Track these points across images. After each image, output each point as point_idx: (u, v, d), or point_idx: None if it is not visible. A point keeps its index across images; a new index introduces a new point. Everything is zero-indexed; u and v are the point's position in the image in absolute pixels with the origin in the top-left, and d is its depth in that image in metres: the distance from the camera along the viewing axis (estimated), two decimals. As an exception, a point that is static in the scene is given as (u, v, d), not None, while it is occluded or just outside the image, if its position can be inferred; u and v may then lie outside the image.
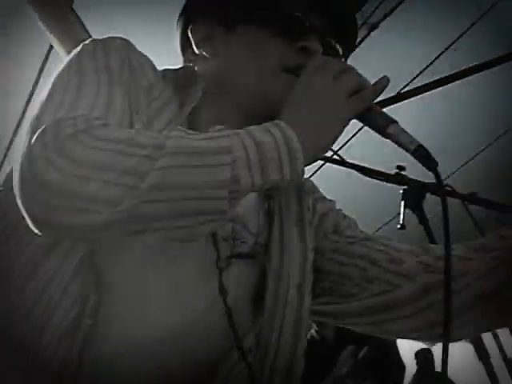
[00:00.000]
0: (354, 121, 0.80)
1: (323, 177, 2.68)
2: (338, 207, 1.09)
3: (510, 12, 2.81)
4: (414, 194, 1.38)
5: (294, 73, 0.87)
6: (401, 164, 1.39)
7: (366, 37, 2.88)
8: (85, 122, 0.71)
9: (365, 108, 0.79)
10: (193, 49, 0.99)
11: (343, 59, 0.99)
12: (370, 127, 0.79)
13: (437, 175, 0.72)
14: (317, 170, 3.27)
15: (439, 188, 0.74)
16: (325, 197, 1.09)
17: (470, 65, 3.02)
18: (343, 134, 0.80)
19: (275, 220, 0.95)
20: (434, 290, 0.89)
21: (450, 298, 0.70)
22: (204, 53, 0.97)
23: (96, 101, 0.79)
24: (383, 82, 0.81)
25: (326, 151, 0.80)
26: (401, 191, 1.41)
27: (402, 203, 1.40)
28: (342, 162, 1.47)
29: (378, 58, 3.15)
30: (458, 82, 2.80)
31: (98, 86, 0.81)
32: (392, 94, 3.27)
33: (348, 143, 3.23)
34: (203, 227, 0.71)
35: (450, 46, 3.06)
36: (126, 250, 0.81)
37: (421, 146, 0.73)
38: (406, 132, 0.75)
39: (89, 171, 0.67)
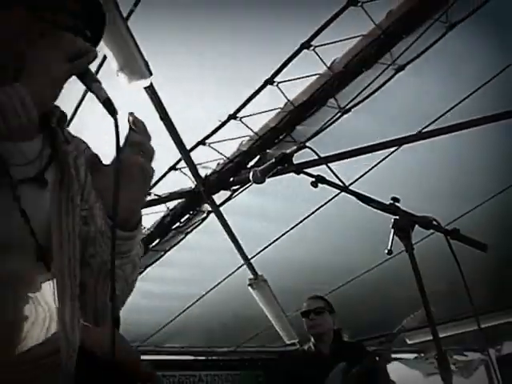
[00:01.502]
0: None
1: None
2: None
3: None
4: (404, 224, 1.55)
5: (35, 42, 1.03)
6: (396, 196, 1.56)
7: (392, 77, 3.05)
8: None
9: (78, 72, 1.01)
10: None
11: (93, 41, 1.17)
12: (84, 85, 1.02)
13: (116, 126, 0.96)
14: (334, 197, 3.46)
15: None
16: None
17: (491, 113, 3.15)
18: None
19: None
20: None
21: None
22: None
23: None
24: (90, 57, 1.03)
25: (47, 100, 1.00)
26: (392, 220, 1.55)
27: (392, 231, 1.54)
28: (345, 190, 1.65)
29: (402, 96, 3.31)
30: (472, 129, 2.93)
31: None
32: (413, 133, 3.43)
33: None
34: None
35: (475, 91, 3.18)
36: None
37: (108, 99, 0.98)
38: (102, 89, 1.00)
39: None
